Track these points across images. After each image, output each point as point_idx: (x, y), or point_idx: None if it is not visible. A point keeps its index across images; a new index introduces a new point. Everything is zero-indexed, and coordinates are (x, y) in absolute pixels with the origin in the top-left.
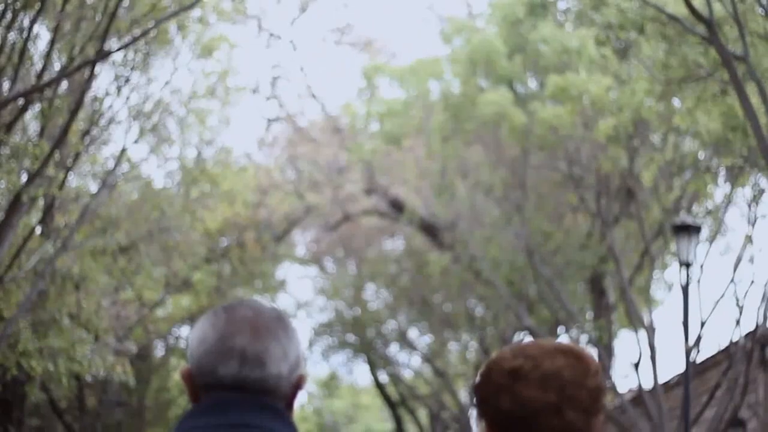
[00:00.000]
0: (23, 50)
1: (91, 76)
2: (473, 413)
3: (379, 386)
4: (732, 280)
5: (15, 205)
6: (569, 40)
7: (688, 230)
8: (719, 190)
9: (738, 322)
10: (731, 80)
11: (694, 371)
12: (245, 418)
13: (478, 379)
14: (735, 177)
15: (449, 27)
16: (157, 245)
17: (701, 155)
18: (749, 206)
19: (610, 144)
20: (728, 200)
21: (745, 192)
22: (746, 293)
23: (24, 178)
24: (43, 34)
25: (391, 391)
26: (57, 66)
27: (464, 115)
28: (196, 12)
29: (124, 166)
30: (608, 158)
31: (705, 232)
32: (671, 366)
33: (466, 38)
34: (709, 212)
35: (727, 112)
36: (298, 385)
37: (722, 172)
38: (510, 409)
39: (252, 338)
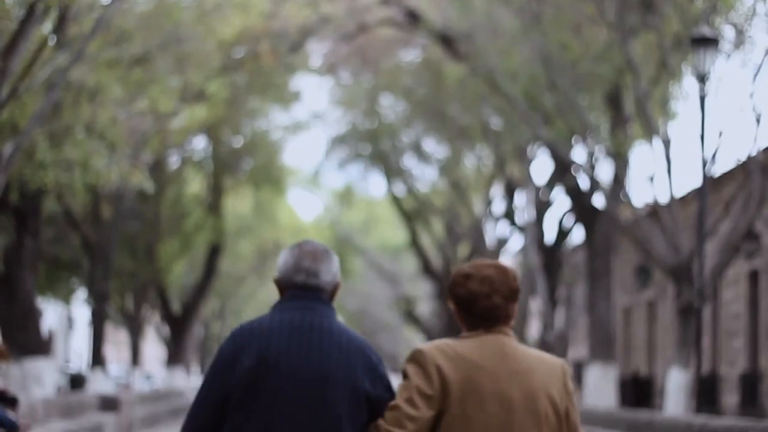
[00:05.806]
0: None
1: None
2: (487, 224)
3: (394, 198)
4: (750, 94)
5: (29, 15)
6: None
7: (706, 42)
8: (741, 2)
9: (755, 136)
10: None
11: (710, 185)
12: (310, 305)
13: (450, 279)
14: None
15: None
16: (172, 56)
17: None
18: None
19: None
20: (752, 12)
21: None
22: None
23: None
24: None
25: (407, 203)
26: None
27: None
28: None
29: None
30: None
31: (725, 45)
32: (687, 181)
33: None
34: (731, 24)
35: None
36: (336, 287)
37: None
38: (464, 294)
39: (312, 262)
